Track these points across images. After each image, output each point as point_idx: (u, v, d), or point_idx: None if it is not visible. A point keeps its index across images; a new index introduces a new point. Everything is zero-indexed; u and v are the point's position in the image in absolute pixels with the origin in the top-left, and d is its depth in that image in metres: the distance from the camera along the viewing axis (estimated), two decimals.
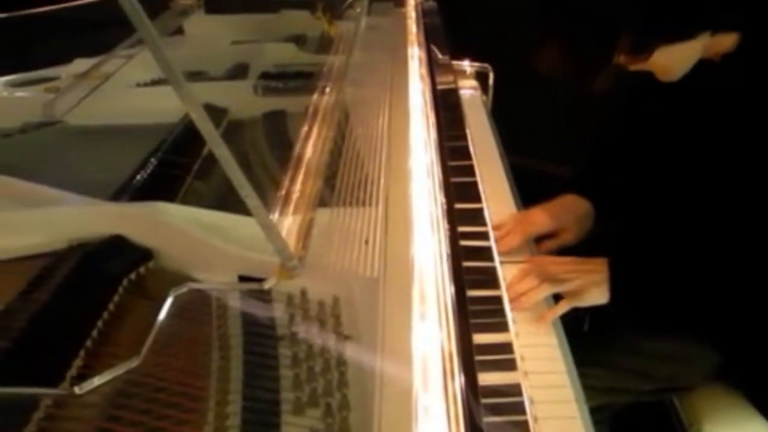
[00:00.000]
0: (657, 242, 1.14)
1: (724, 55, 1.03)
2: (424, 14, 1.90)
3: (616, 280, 1.03)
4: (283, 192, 0.94)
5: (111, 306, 0.77)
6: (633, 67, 1.02)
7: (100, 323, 0.74)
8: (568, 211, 1.24)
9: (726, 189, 1.05)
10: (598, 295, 1.04)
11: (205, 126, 0.63)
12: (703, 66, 1.03)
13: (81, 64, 1.54)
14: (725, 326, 1.09)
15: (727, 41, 1.01)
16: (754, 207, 1.01)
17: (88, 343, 0.71)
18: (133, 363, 0.67)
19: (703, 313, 1.07)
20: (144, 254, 0.86)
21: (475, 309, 0.91)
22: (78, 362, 0.68)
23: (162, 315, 0.74)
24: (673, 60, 1.02)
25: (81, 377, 0.66)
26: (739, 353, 1.12)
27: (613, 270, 1.04)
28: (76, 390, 0.64)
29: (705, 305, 1.05)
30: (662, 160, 1.21)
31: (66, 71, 1.55)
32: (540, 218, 1.23)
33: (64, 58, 1.58)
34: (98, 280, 0.81)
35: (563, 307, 1.04)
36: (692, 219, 1.11)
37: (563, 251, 1.18)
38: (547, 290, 1.05)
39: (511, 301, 1.02)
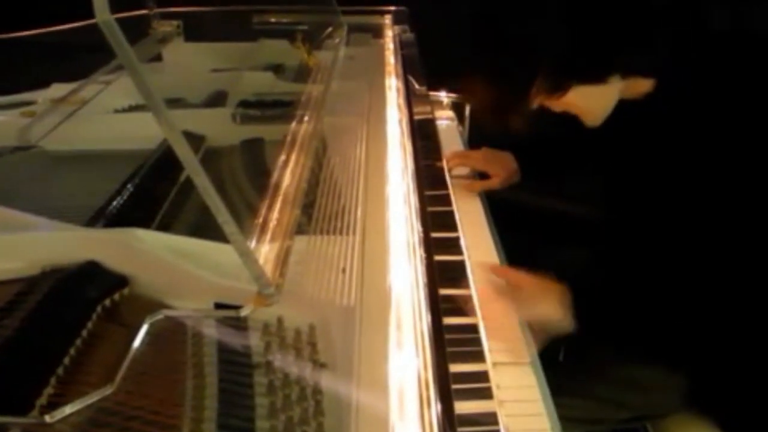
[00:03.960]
0: (619, 266, 1.15)
1: (645, 95, 1.06)
2: (402, 46, 1.92)
3: (576, 299, 1.05)
4: (261, 219, 0.94)
5: (84, 333, 0.76)
6: (555, 107, 1.06)
7: (72, 350, 0.73)
8: (500, 160, 1.44)
9: (678, 216, 1.07)
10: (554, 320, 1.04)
11: (184, 152, 0.64)
12: (624, 107, 1.07)
13: (58, 89, 1.53)
14: (692, 351, 1.11)
15: (642, 85, 1.05)
16: (711, 235, 1.03)
17: (60, 370, 0.70)
18: (107, 391, 0.67)
19: (660, 335, 1.08)
20: (119, 281, 0.85)
21: (451, 337, 0.91)
22: (49, 390, 0.67)
23: (137, 342, 0.73)
24: (589, 100, 1.05)
25: (52, 405, 0.65)
26: (708, 380, 1.13)
27: (576, 293, 1.05)
28: (47, 418, 0.63)
29: (659, 325, 1.07)
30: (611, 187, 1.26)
31: (43, 96, 1.54)
32: (476, 155, 1.49)
33: (42, 83, 1.57)
34: (72, 306, 0.80)
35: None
36: (653, 247, 1.13)
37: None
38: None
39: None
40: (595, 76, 1.01)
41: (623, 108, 1.07)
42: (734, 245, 1.00)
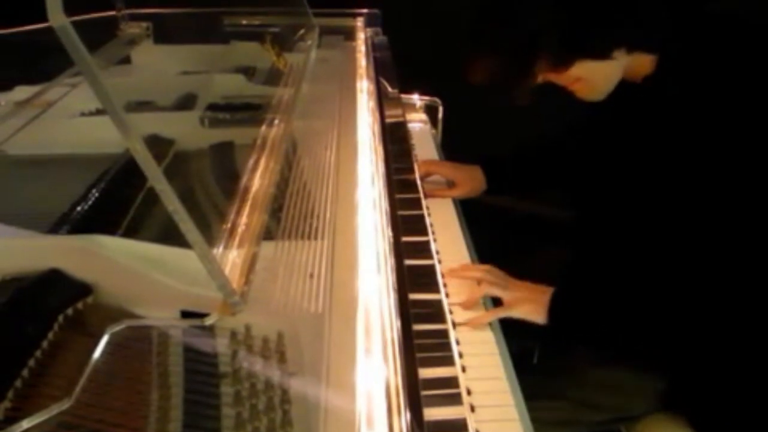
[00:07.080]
0: (598, 270, 1.16)
1: (645, 77, 1.07)
2: (374, 48, 1.92)
3: (555, 302, 1.07)
4: (229, 225, 0.93)
5: (45, 343, 0.74)
6: (559, 81, 1.07)
7: (32, 362, 0.71)
8: (466, 172, 1.48)
9: (664, 213, 1.07)
10: (531, 311, 1.07)
11: (145, 159, 0.62)
12: (625, 88, 1.08)
13: (22, 92, 1.49)
14: (667, 352, 1.11)
15: (645, 63, 1.06)
16: (694, 234, 1.03)
17: (18, 383, 0.68)
18: (65, 405, 0.65)
19: (644, 338, 1.09)
20: (82, 289, 0.83)
21: (420, 343, 0.91)
22: (6, 404, 0.65)
23: (97, 353, 0.71)
24: (594, 75, 1.06)
25: (9, 420, 0.63)
26: (682, 380, 1.14)
27: (555, 295, 1.07)
28: None
29: (646, 330, 1.08)
30: (593, 182, 1.26)
31: (6, 98, 1.51)
32: (444, 164, 1.54)
33: (5, 85, 1.54)
34: (32, 316, 0.77)
35: (497, 313, 1.07)
36: (632, 246, 1.13)
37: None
38: (486, 289, 1.09)
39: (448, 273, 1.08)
40: (599, 50, 1.02)
41: (622, 92, 1.08)
42: (722, 243, 1.00)
